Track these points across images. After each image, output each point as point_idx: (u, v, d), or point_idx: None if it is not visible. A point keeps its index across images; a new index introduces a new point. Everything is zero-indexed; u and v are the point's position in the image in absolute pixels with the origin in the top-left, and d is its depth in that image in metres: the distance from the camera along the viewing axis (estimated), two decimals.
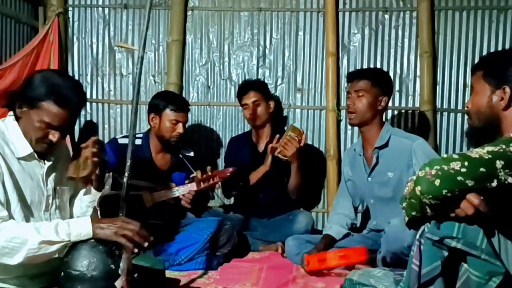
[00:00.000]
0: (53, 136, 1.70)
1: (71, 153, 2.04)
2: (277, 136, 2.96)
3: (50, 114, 1.66)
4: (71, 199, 1.93)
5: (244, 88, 3.19)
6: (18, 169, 1.67)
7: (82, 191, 1.90)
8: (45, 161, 1.77)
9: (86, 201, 1.87)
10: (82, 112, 3.55)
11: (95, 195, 1.87)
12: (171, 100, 2.82)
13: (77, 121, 3.52)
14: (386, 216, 2.51)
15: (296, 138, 2.87)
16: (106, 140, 3.36)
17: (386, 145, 2.58)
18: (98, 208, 1.91)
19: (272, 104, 3.19)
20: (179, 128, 2.78)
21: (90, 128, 1.95)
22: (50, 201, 1.76)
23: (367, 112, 2.58)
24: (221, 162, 3.46)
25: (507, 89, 1.52)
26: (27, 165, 1.71)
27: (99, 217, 1.91)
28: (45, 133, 1.69)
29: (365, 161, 2.67)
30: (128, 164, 1.84)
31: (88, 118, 3.56)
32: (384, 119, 2.71)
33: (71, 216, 1.90)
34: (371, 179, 2.64)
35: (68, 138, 3.17)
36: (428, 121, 3.31)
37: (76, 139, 3.38)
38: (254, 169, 3.08)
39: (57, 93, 1.67)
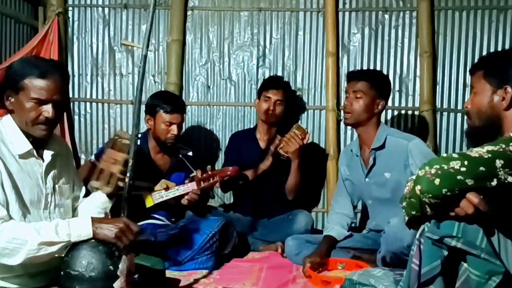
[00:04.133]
0: (47, 112, 1.69)
1: (71, 150, 2.04)
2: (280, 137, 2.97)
3: (35, 88, 1.67)
4: (76, 197, 1.95)
5: (277, 83, 3.17)
6: (16, 169, 1.67)
7: (95, 194, 1.92)
8: (44, 158, 1.77)
9: (99, 207, 1.90)
10: (82, 112, 3.56)
11: (108, 203, 1.91)
12: (165, 101, 2.78)
13: (77, 121, 3.53)
14: (385, 216, 2.50)
15: (300, 135, 2.90)
16: (105, 140, 3.36)
17: (382, 146, 2.57)
18: (109, 213, 1.94)
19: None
20: (173, 130, 2.76)
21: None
22: (49, 199, 1.76)
23: (363, 114, 2.58)
24: (220, 161, 3.45)
25: (509, 89, 1.52)
26: (25, 164, 1.71)
27: None
28: (38, 112, 1.69)
29: (362, 162, 2.66)
30: (129, 164, 1.84)
31: (88, 118, 3.56)
32: (383, 119, 2.70)
33: (74, 213, 1.92)
34: (368, 180, 2.63)
35: (67, 136, 3.17)
36: (428, 121, 3.31)
37: (75, 138, 3.38)
38: (254, 165, 3.07)
39: (35, 67, 1.69)
